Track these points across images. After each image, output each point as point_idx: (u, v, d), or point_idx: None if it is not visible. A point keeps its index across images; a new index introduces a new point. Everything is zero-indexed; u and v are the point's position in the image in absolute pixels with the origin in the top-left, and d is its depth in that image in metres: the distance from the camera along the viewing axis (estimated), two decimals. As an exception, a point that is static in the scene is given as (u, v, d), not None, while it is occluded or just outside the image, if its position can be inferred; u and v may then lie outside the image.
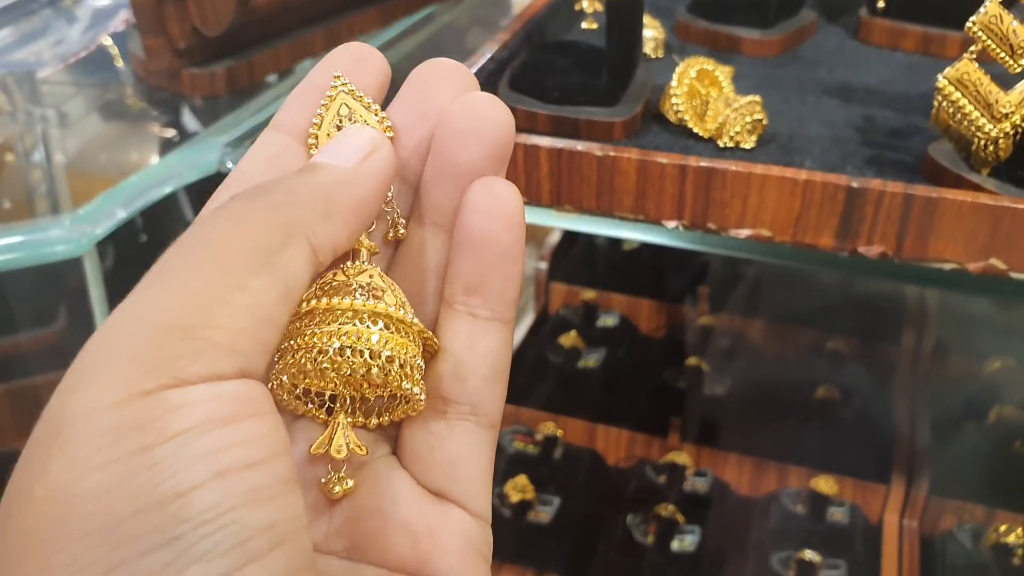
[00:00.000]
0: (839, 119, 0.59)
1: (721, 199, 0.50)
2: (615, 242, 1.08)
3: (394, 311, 0.27)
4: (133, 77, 0.83)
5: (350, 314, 0.27)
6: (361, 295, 0.27)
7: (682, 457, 0.84)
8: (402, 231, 0.30)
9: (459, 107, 0.28)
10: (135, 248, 0.81)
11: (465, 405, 0.29)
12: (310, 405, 0.29)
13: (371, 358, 0.26)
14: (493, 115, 0.28)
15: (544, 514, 0.82)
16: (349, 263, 0.28)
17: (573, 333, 0.97)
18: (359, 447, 0.28)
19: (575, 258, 1.09)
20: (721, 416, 0.89)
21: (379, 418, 0.29)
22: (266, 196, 0.25)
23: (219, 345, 0.22)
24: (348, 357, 0.26)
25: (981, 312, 0.92)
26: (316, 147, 0.29)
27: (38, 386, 1.00)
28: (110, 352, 0.22)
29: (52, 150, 0.79)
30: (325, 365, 0.26)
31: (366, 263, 0.28)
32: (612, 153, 0.51)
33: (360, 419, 0.29)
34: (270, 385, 0.27)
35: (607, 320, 1.02)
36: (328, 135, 0.29)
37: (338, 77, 0.30)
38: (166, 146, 0.78)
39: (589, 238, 1.10)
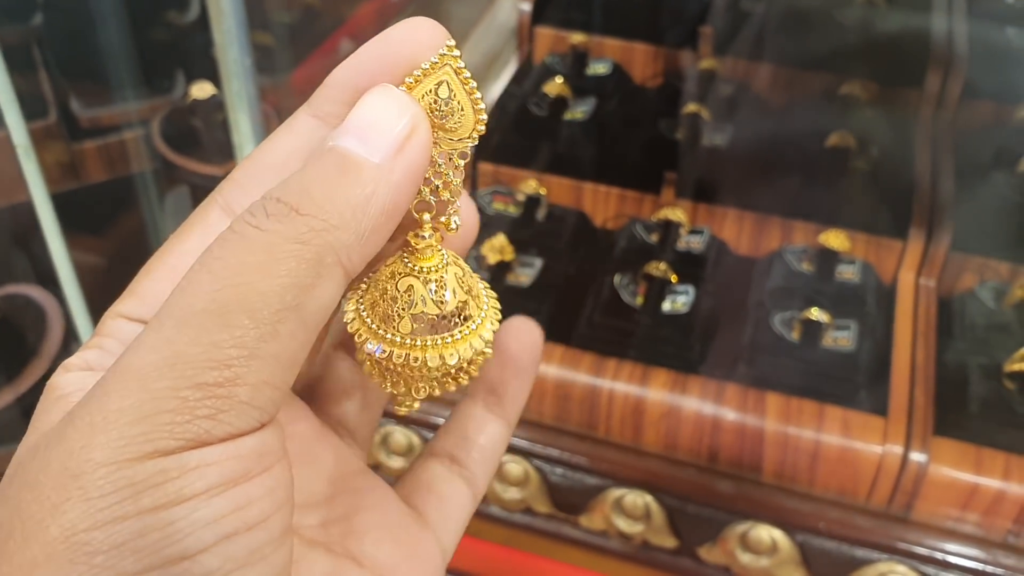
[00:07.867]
0: None
1: None
2: (607, -21, 0.96)
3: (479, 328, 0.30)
4: None
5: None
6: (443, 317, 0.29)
7: (676, 214, 0.76)
8: (454, 225, 0.28)
9: None
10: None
11: (466, 469, 0.36)
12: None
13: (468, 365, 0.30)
14: None
15: (524, 276, 0.74)
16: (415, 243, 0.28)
17: (559, 80, 0.87)
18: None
19: (562, -3, 0.97)
20: (721, 169, 0.81)
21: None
22: (290, 218, 0.23)
23: (242, 403, 0.22)
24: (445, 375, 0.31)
25: (1018, 51, 0.81)
26: None
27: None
28: (133, 401, 0.22)
29: None
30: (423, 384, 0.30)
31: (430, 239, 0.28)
32: None
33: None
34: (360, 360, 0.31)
35: (598, 67, 0.92)
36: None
37: (451, 48, 0.26)
38: None
39: (578, -26, 0.98)
